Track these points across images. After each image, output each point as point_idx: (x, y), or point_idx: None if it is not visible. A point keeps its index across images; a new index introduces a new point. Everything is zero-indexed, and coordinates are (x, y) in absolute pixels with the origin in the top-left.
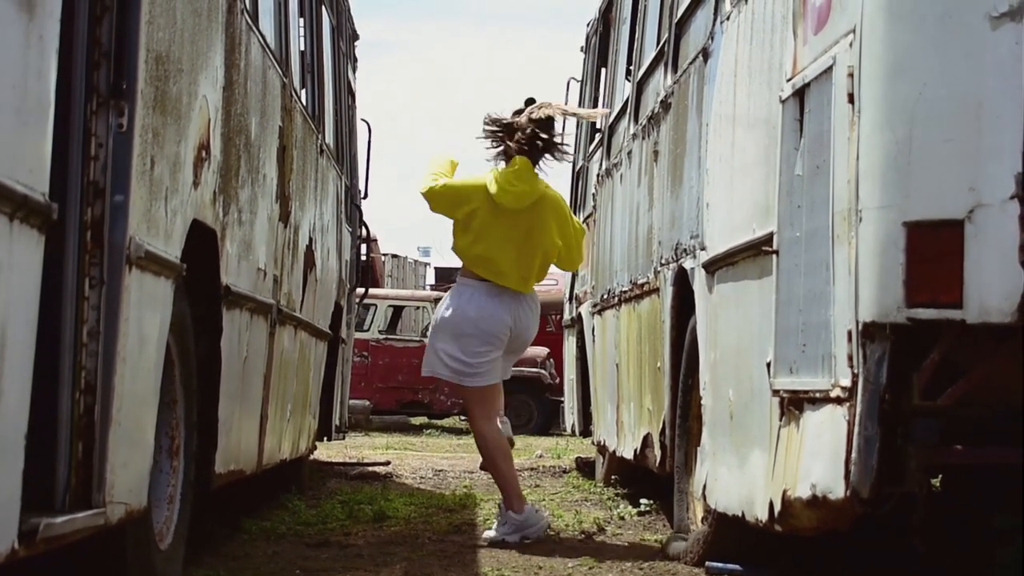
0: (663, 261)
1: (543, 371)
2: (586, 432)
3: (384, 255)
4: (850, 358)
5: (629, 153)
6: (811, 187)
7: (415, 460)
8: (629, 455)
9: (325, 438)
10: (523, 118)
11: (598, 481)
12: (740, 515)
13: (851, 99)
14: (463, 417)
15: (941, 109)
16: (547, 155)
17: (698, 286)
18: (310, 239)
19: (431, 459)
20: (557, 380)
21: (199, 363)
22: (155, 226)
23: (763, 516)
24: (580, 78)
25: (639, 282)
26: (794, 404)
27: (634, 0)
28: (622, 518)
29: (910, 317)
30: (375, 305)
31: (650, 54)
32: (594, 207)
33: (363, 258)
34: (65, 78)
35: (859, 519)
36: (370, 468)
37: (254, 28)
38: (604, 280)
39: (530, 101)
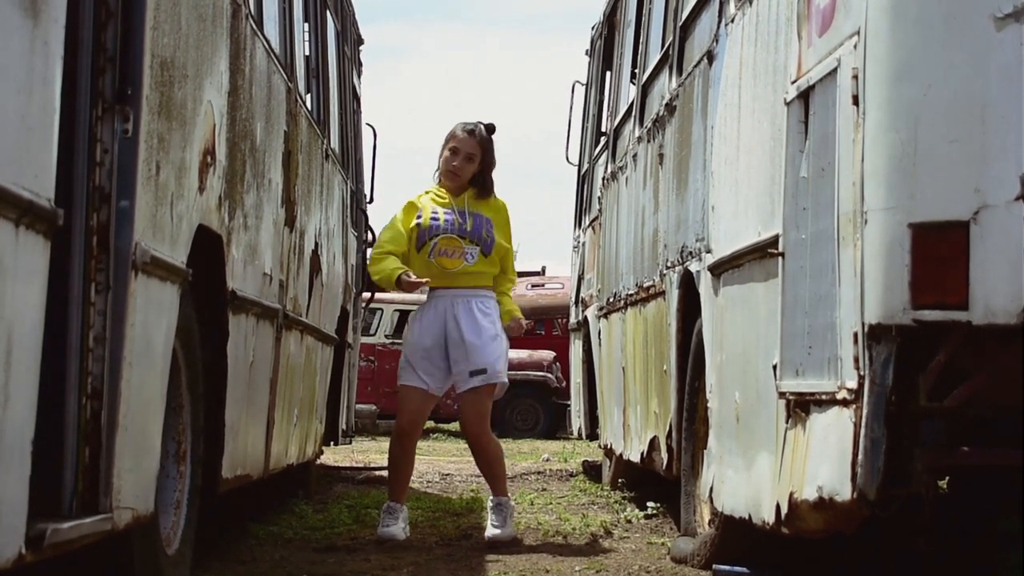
0: (669, 264)
1: (550, 375)
2: (593, 435)
3: None
4: (856, 360)
5: (634, 156)
6: (816, 189)
7: (421, 464)
8: (636, 458)
9: (332, 442)
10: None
11: (605, 484)
12: (747, 517)
13: (856, 101)
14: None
15: (946, 110)
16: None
17: (704, 289)
18: (316, 244)
19: (437, 463)
20: (564, 384)
21: (205, 368)
22: (161, 231)
23: (770, 518)
24: (585, 81)
25: (645, 285)
26: (800, 406)
27: (639, 3)
28: (629, 521)
29: (916, 319)
30: (381, 309)
31: (655, 57)
32: (599, 210)
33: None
34: (70, 83)
35: (866, 521)
36: (377, 472)
37: (259, 33)
38: (610, 283)
39: (490, 127)
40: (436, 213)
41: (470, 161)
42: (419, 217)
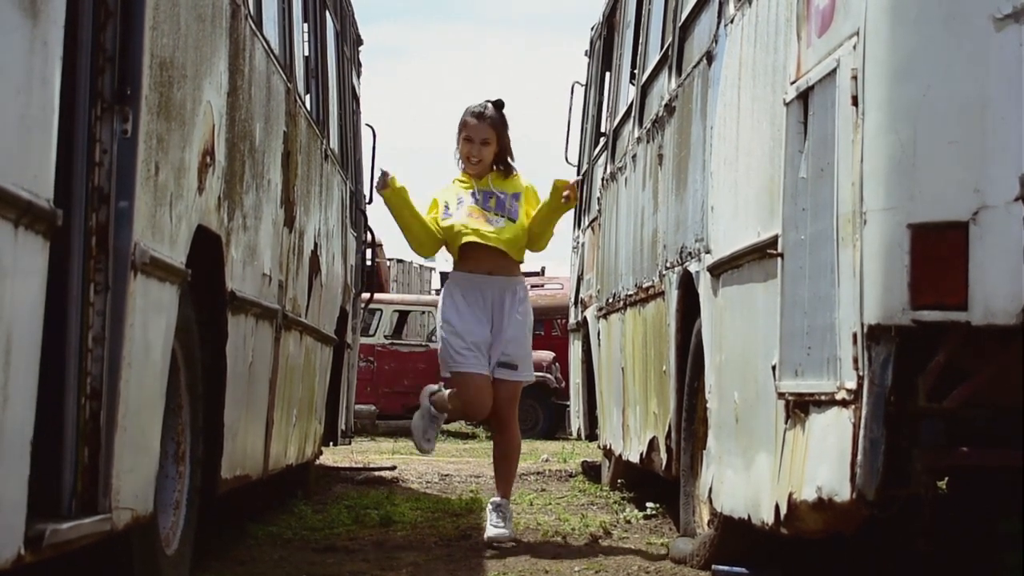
0: (668, 264)
1: (549, 375)
2: (592, 436)
3: (389, 260)
4: (855, 360)
5: (634, 157)
6: (815, 190)
7: (421, 465)
8: (635, 459)
9: (331, 443)
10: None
11: (604, 485)
12: (746, 518)
13: (855, 101)
14: (469, 423)
15: (945, 111)
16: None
17: (703, 289)
18: (315, 244)
19: (437, 464)
20: (563, 384)
21: (204, 368)
22: (160, 232)
23: (769, 519)
24: (585, 82)
25: (644, 286)
26: (799, 407)
27: (638, 4)
28: (628, 522)
29: (915, 319)
30: (380, 310)
31: (654, 58)
32: (599, 211)
33: (368, 263)
34: (69, 84)
35: (865, 521)
36: (376, 473)
37: (258, 33)
38: (609, 284)
39: (498, 103)
40: (461, 196)
41: (487, 144)
42: (446, 207)
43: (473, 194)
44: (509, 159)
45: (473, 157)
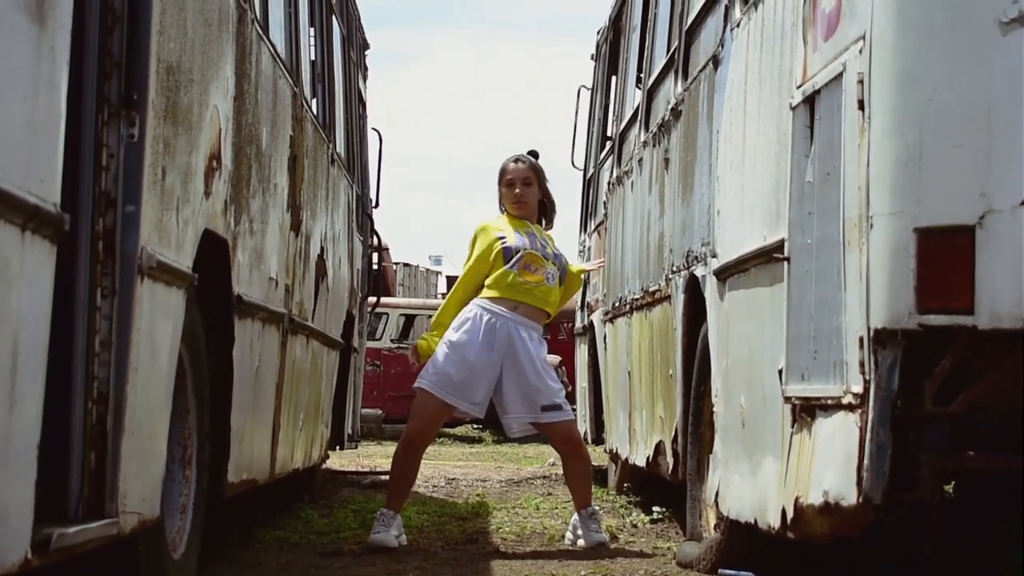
0: (674, 268)
1: None
2: (598, 440)
3: (396, 264)
4: (862, 364)
5: (640, 161)
6: (822, 194)
7: (427, 469)
8: (642, 463)
9: (337, 447)
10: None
11: (611, 489)
12: (752, 522)
13: (861, 105)
14: (475, 426)
15: (951, 115)
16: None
17: (709, 293)
18: (321, 248)
19: (443, 468)
20: (569, 388)
21: (211, 373)
22: (166, 236)
23: (775, 523)
24: (591, 86)
25: (650, 289)
26: (806, 411)
27: (644, 7)
28: (635, 526)
29: (921, 323)
30: (387, 314)
31: (660, 61)
32: (605, 215)
33: (375, 267)
34: (76, 89)
35: (871, 525)
36: (382, 477)
37: (264, 38)
38: (616, 288)
39: (533, 153)
40: (519, 231)
41: (529, 185)
42: (503, 237)
43: (530, 235)
44: (551, 212)
45: (520, 198)
